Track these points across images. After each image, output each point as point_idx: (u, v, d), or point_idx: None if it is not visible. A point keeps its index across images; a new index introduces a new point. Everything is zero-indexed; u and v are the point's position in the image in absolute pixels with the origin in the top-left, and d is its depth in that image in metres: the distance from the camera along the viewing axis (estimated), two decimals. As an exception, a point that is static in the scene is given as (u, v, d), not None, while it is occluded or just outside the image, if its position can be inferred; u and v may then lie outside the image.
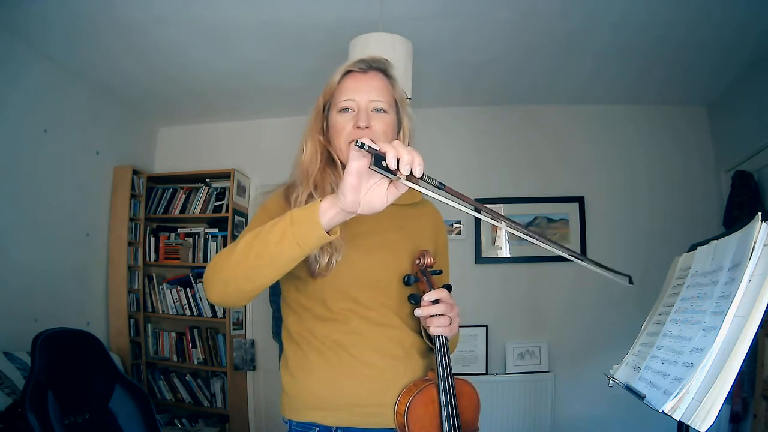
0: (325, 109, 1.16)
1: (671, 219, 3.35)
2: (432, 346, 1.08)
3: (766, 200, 2.83)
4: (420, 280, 1.08)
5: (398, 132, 1.17)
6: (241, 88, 3.32)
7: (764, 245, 0.80)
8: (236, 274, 0.94)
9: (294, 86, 3.25)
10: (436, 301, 1.03)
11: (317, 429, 1.05)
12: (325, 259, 1.04)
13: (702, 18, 2.47)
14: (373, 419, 1.04)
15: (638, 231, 3.41)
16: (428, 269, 1.09)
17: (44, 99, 2.81)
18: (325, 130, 1.16)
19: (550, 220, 3.50)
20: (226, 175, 3.55)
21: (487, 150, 3.58)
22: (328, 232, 0.87)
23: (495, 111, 3.61)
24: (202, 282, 3.44)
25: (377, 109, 1.11)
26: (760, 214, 0.83)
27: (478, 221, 3.53)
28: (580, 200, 3.50)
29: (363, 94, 1.10)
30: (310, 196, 1.08)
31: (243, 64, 2.99)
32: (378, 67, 1.15)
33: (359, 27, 2.18)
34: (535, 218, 3.51)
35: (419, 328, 1.12)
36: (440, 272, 1.12)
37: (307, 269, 1.06)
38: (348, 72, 1.14)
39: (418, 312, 1.03)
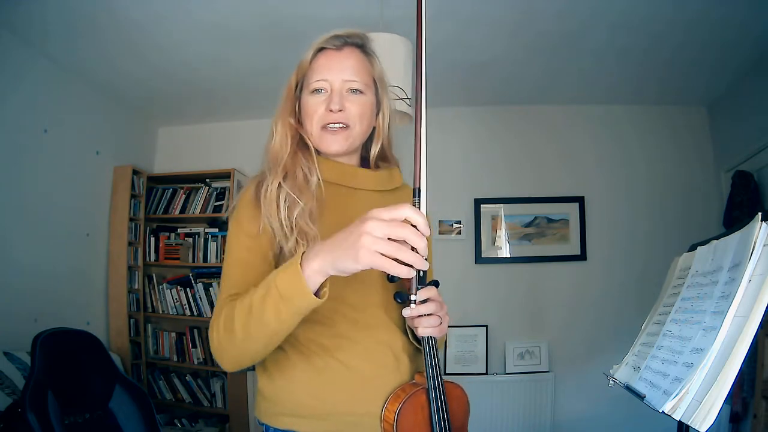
0: (297, 90, 1.07)
1: (671, 219, 3.35)
2: (418, 347, 1.01)
3: (766, 200, 2.83)
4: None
5: (377, 114, 1.08)
6: (241, 87, 3.32)
7: (764, 245, 0.80)
8: (245, 352, 0.90)
9: (294, 86, 3.25)
10: (424, 300, 0.95)
11: None
12: (301, 251, 0.91)
13: (702, 18, 2.47)
14: (359, 428, 0.97)
15: (638, 231, 3.41)
16: None
17: (44, 99, 2.81)
18: (297, 112, 1.07)
19: (550, 220, 3.50)
20: (226, 175, 3.55)
21: (488, 150, 3.58)
22: (319, 292, 0.81)
23: (495, 111, 3.61)
24: (202, 283, 3.46)
25: (352, 90, 1.02)
26: (760, 214, 0.83)
27: (478, 221, 3.53)
28: (580, 200, 3.50)
29: (336, 73, 1.01)
30: (280, 187, 0.98)
31: (243, 63, 2.99)
32: (354, 42, 1.06)
33: (359, 27, 2.16)
34: (535, 218, 3.51)
35: (406, 328, 1.04)
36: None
37: None
38: (321, 49, 1.04)
39: (406, 312, 0.93)
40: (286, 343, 0.99)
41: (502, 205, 3.53)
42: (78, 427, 2.13)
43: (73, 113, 3.04)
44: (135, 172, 3.46)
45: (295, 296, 0.79)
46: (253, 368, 3.49)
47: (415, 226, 0.74)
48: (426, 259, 0.74)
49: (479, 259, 3.51)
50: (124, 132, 3.54)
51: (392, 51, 1.88)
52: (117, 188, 3.39)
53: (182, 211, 3.61)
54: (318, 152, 1.06)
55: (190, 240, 3.60)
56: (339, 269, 0.76)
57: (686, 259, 1.13)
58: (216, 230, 3.57)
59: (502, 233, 3.53)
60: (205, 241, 3.57)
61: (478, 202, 3.54)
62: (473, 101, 3.56)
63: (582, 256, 3.44)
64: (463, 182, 3.53)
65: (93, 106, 3.22)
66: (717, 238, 1.00)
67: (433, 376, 0.94)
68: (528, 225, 3.52)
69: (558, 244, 3.47)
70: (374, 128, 1.10)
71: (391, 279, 0.95)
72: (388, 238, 0.73)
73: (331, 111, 1.00)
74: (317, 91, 1.02)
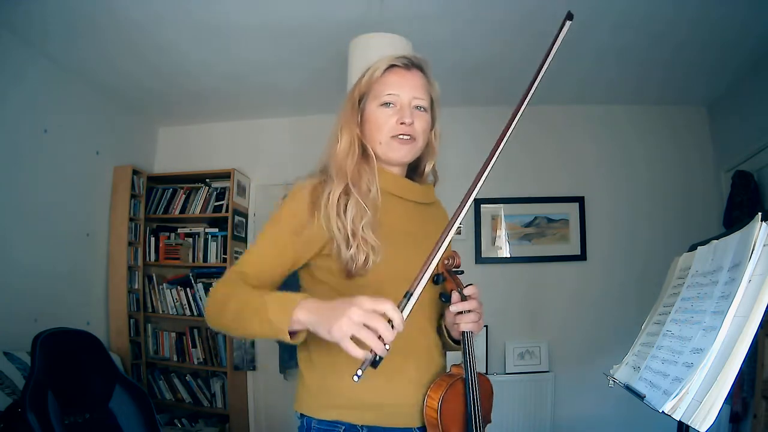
0: (361, 101, 1.15)
1: (671, 219, 3.35)
2: (453, 344, 1.14)
3: (766, 200, 2.83)
4: (447, 279, 1.11)
5: (430, 130, 1.19)
6: (241, 88, 3.32)
7: (764, 245, 0.80)
8: (224, 327, 1.01)
9: (294, 86, 3.25)
10: (465, 297, 1.08)
11: (343, 428, 1.04)
12: (362, 258, 1.02)
13: (702, 18, 2.47)
14: (399, 419, 1.06)
15: (638, 231, 3.41)
16: (454, 269, 1.13)
17: (44, 99, 2.81)
18: (359, 122, 1.15)
19: (550, 220, 3.50)
20: (226, 175, 3.55)
21: (487, 150, 3.56)
22: (293, 334, 0.91)
23: (495, 111, 3.59)
24: (202, 283, 3.46)
25: (418, 107, 1.12)
26: (760, 214, 0.83)
27: (478, 221, 3.53)
28: (580, 200, 3.50)
29: (408, 90, 1.11)
30: (347, 195, 1.06)
31: (243, 64, 2.99)
32: (419, 65, 1.16)
33: (359, 27, 2.18)
34: (535, 218, 3.51)
35: (441, 327, 1.17)
36: (463, 272, 1.14)
37: (341, 270, 1.05)
38: (391, 66, 1.13)
39: (453, 308, 1.07)
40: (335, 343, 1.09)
41: (502, 205, 3.53)
42: (78, 427, 2.13)
43: (73, 113, 3.04)
44: (135, 172, 3.46)
45: (274, 328, 0.90)
46: (253, 368, 3.51)
47: (390, 321, 0.83)
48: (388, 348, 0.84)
49: (479, 259, 3.50)
50: (124, 132, 3.54)
51: (392, 51, 1.87)
52: (117, 188, 3.39)
53: (182, 211, 3.61)
54: (377, 159, 1.14)
55: (190, 240, 3.60)
56: (316, 332, 0.87)
57: (686, 259, 1.13)
58: (216, 230, 3.57)
59: (502, 233, 3.53)
60: (205, 241, 3.57)
61: (478, 202, 3.53)
62: (473, 101, 3.56)
63: (582, 256, 3.44)
64: (462, 182, 3.52)
65: (93, 106, 3.22)
66: (717, 238, 1.00)
67: (470, 368, 1.06)
68: (528, 225, 3.52)
69: (558, 244, 3.47)
70: (428, 145, 1.19)
71: (436, 281, 1.10)
72: (364, 324, 0.82)
73: (403, 123, 1.09)
74: (387, 104, 1.11)
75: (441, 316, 1.19)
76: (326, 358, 1.07)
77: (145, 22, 2.52)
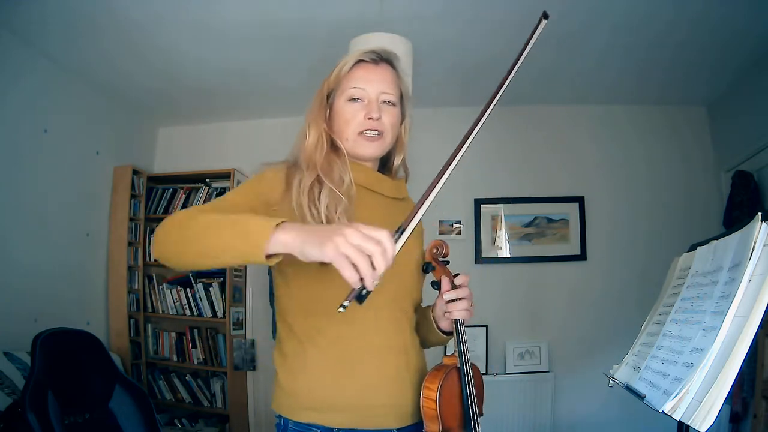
0: (329, 97, 1.14)
1: (671, 219, 3.35)
2: (443, 335, 1.15)
3: (766, 200, 2.83)
4: (436, 268, 1.13)
5: (400, 124, 1.17)
6: (241, 88, 3.32)
7: (764, 245, 0.80)
8: (181, 250, 0.92)
9: (294, 86, 3.25)
10: (456, 286, 1.09)
11: (317, 431, 1.03)
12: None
13: (702, 18, 2.47)
14: (374, 420, 1.04)
15: (638, 231, 3.41)
16: (442, 258, 1.15)
17: (44, 99, 2.81)
18: (327, 117, 1.14)
19: (550, 220, 3.50)
20: (226, 175, 3.55)
21: (487, 150, 3.58)
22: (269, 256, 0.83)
23: (495, 111, 3.58)
24: (202, 283, 3.45)
25: (386, 102, 1.11)
26: (760, 214, 0.83)
27: (478, 221, 3.53)
28: (580, 200, 3.49)
29: (375, 85, 1.10)
30: (315, 182, 1.05)
31: (243, 64, 2.99)
32: (388, 59, 1.15)
33: (359, 27, 2.17)
34: (535, 218, 3.51)
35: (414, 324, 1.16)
36: (449, 262, 1.15)
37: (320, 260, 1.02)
38: (359, 61, 1.13)
39: (446, 296, 1.09)
40: (308, 340, 1.06)
41: (502, 205, 3.53)
42: (78, 427, 2.13)
43: (73, 113, 3.04)
44: (135, 172, 3.46)
45: (251, 242, 0.82)
46: (253, 368, 3.51)
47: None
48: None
49: (479, 259, 3.50)
50: (124, 132, 3.54)
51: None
52: (117, 188, 3.39)
53: (182, 211, 3.61)
54: (347, 153, 1.13)
55: (190, 240, 3.60)
56: (303, 252, 0.79)
57: (686, 259, 1.13)
58: (216, 230, 3.56)
59: (502, 233, 3.52)
60: (205, 241, 3.56)
61: (478, 202, 3.53)
62: (473, 101, 3.54)
63: (582, 256, 3.44)
64: (463, 182, 3.53)
65: (93, 106, 3.22)
66: (717, 238, 1.00)
67: (464, 356, 1.05)
68: (528, 225, 3.52)
69: (558, 244, 3.47)
70: (397, 139, 1.18)
71: (426, 269, 1.14)
72: (358, 248, 0.76)
73: (370, 119, 1.08)
74: (354, 99, 1.10)
75: (417, 313, 1.20)
76: (300, 359, 1.05)
77: (145, 22, 2.52)
